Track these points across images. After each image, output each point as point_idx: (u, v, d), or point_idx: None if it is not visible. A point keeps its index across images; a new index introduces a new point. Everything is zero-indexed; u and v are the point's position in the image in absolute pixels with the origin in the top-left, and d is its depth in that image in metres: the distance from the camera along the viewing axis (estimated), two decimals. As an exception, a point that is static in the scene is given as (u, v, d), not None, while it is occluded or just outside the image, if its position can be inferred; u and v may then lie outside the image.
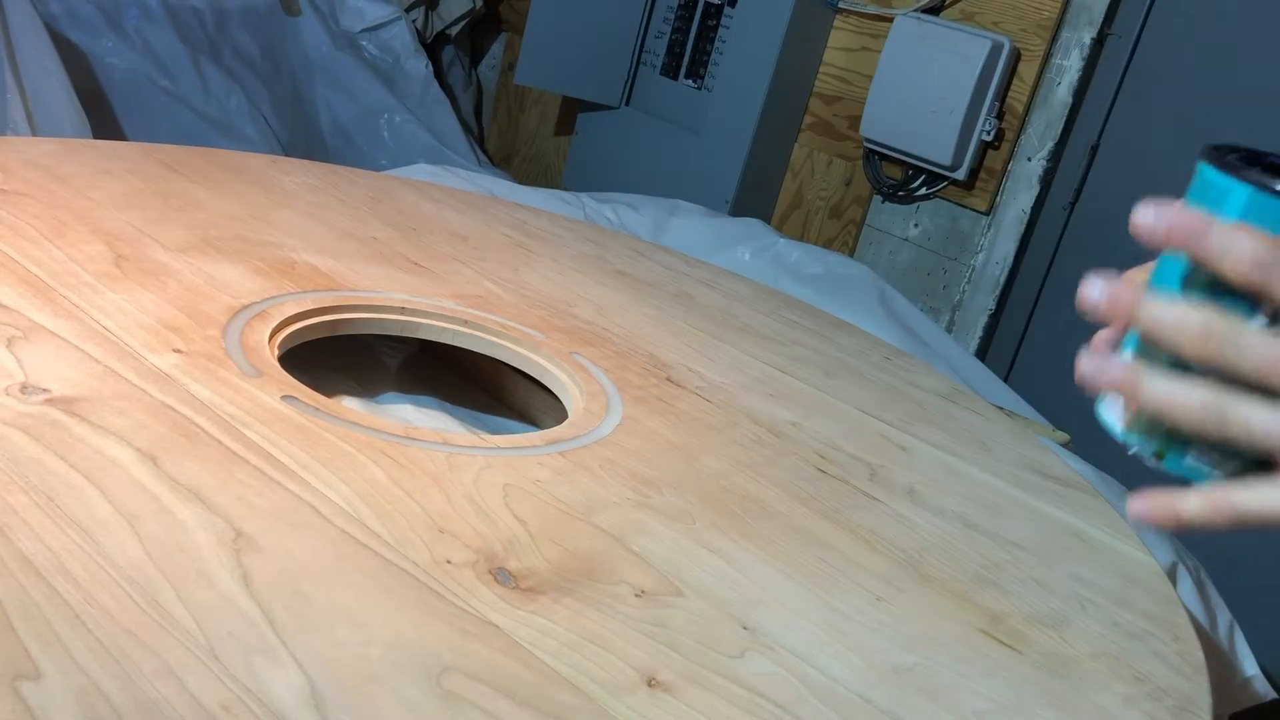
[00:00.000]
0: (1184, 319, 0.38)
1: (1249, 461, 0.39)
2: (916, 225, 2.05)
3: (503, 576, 0.52)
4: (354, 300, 0.81)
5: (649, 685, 0.47)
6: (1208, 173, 0.40)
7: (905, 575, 0.63)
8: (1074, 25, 1.83)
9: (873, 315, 1.50)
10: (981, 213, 1.95)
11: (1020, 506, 0.78)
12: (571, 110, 2.63)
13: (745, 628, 0.54)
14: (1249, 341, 0.37)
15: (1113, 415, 0.42)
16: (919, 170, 2.00)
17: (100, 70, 2.02)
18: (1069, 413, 1.63)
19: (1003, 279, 1.93)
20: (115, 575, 0.44)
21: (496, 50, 2.99)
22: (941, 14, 1.96)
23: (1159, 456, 0.41)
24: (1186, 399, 0.38)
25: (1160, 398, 0.39)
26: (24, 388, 0.57)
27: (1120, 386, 0.40)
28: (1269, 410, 0.37)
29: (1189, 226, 0.38)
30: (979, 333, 1.97)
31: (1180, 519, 0.40)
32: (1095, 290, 0.40)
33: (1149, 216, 0.39)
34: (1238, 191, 0.39)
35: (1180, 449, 0.40)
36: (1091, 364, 0.41)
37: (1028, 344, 1.98)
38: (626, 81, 2.43)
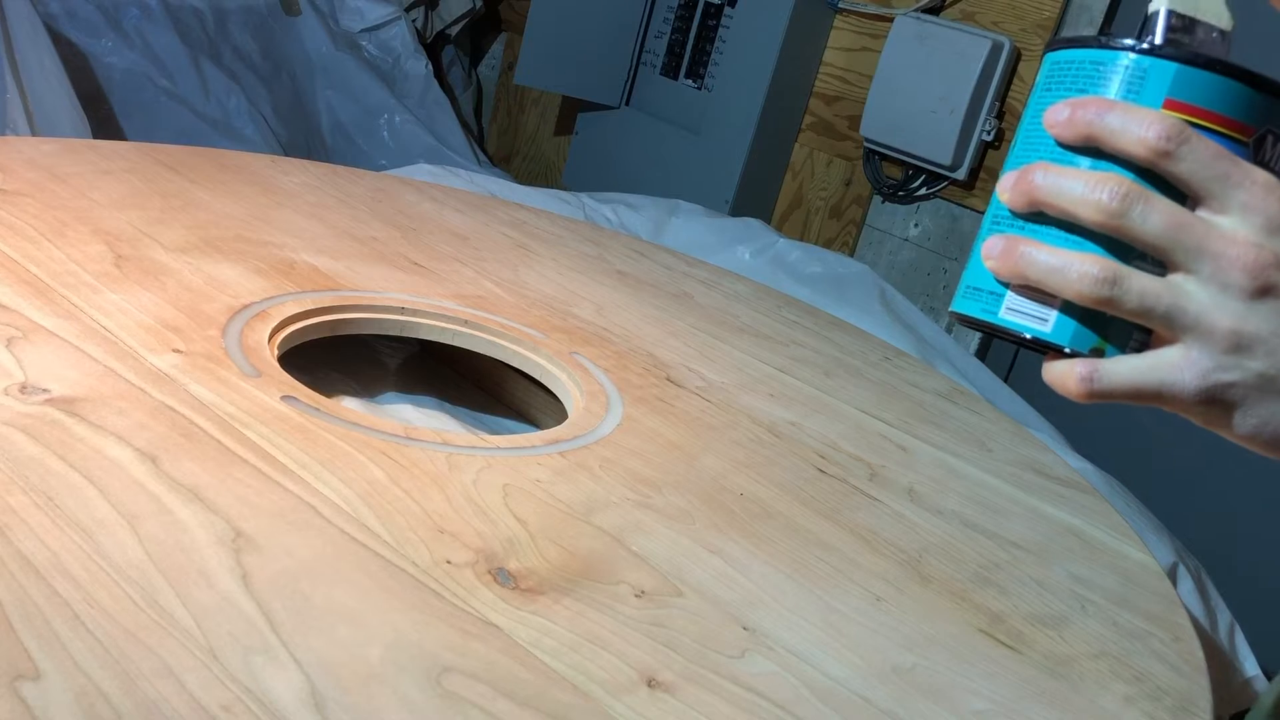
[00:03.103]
0: (1092, 184, 0.36)
1: (1127, 335, 0.38)
2: (916, 225, 2.05)
3: (502, 577, 0.52)
4: (354, 300, 0.81)
5: (649, 685, 0.47)
6: (1116, 56, 0.38)
7: (905, 575, 0.63)
8: (1074, 25, 1.83)
9: (873, 315, 1.50)
10: (982, 213, 1.95)
11: (1020, 506, 0.78)
12: (571, 110, 2.63)
13: (745, 628, 0.54)
14: (1157, 206, 0.36)
15: (975, 301, 0.41)
16: (919, 170, 2.00)
17: (100, 70, 2.02)
18: (1069, 412, 1.63)
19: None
20: (115, 575, 0.44)
21: (496, 50, 2.99)
22: (942, 14, 1.97)
23: (1035, 332, 0.39)
24: (1081, 267, 0.36)
25: (1051, 266, 0.37)
26: (24, 388, 0.57)
27: (1008, 258, 0.38)
28: (1160, 282, 0.36)
29: (1094, 108, 0.37)
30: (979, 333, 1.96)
31: (1067, 389, 0.38)
32: (1006, 179, 0.39)
33: (1062, 112, 0.38)
34: (1161, 69, 0.37)
35: (1062, 323, 0.39)
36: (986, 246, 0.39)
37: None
38: (626, 81, 2.43)
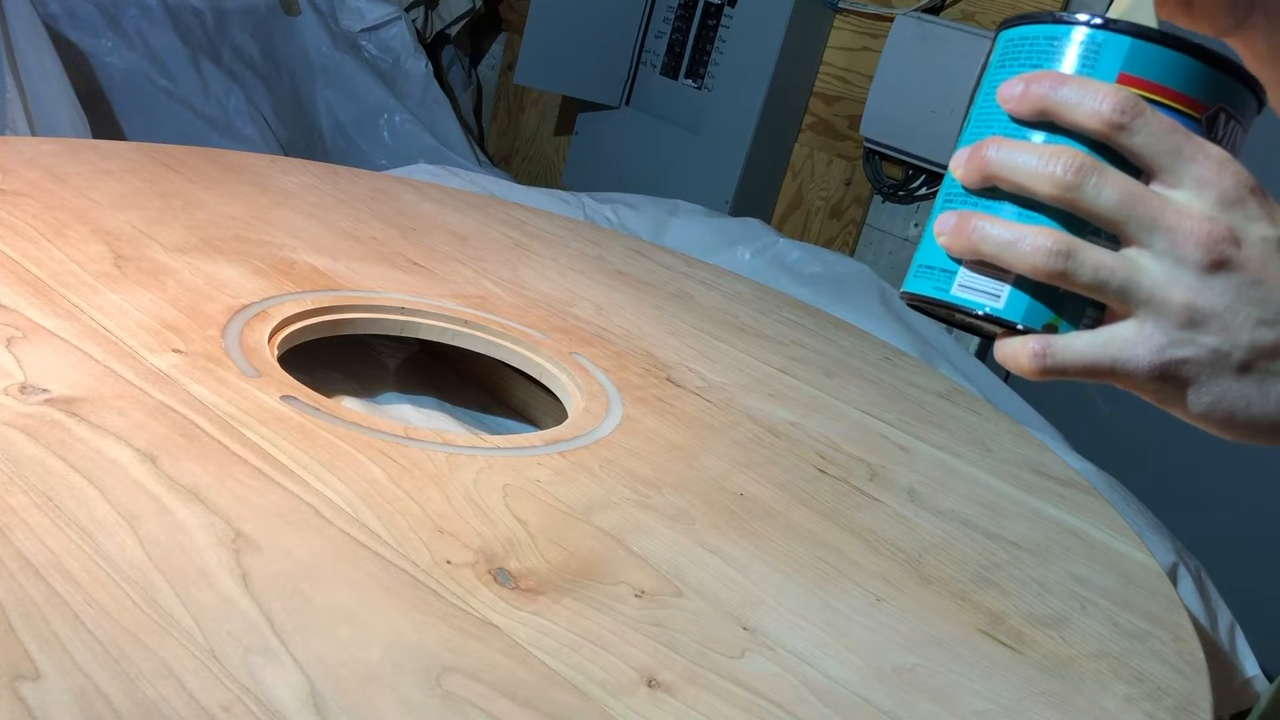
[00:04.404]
0: (1045, 158, 0.35)
1: (1080, 311, 0.38)
2: (917, 225, 2.05)
3: (502, 577, 0.52)
4: (353, 300, 0.81)
5: (649, 686, 0.47)
6: (1070, 31, 0.38)
7: (905, 575, 0.63)
8: (1074, 25, 1.83)
9: (873, 315, 1.50)
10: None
11: (1020, 506, 0.78)
12: (571, 110, 2.63)
13: (745, 628, 0.54)
14: (1111, 179, 0.35)
15: (926, 280, 0.40)
16: (919, 170, 2.00)
17: (100, 70, 2.02)
18: (1068, 412, 1.63)
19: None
20: (114, 575, 0.44)
21: (496, 50, 2.99)
22: (942, 14, 1.96)
23: (987, 307, 0.39)
24: (1034, 240, 0.36)
25: (1004, 240, 0.36)
26: (23, 388, 0.57)
27: (960, 233, 0.37)
28: (1115, 255, 0.36)
29: (1048, 83, 0.36)
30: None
31: (1020, 366, 0.38)
32: (960, 155, 0.38)
33: (1016, 86, 0.37)
34: (1115, 43, 0.37)
35: (1015, 298, 0.38)
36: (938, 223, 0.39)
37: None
38: (626, 81, 2.43)
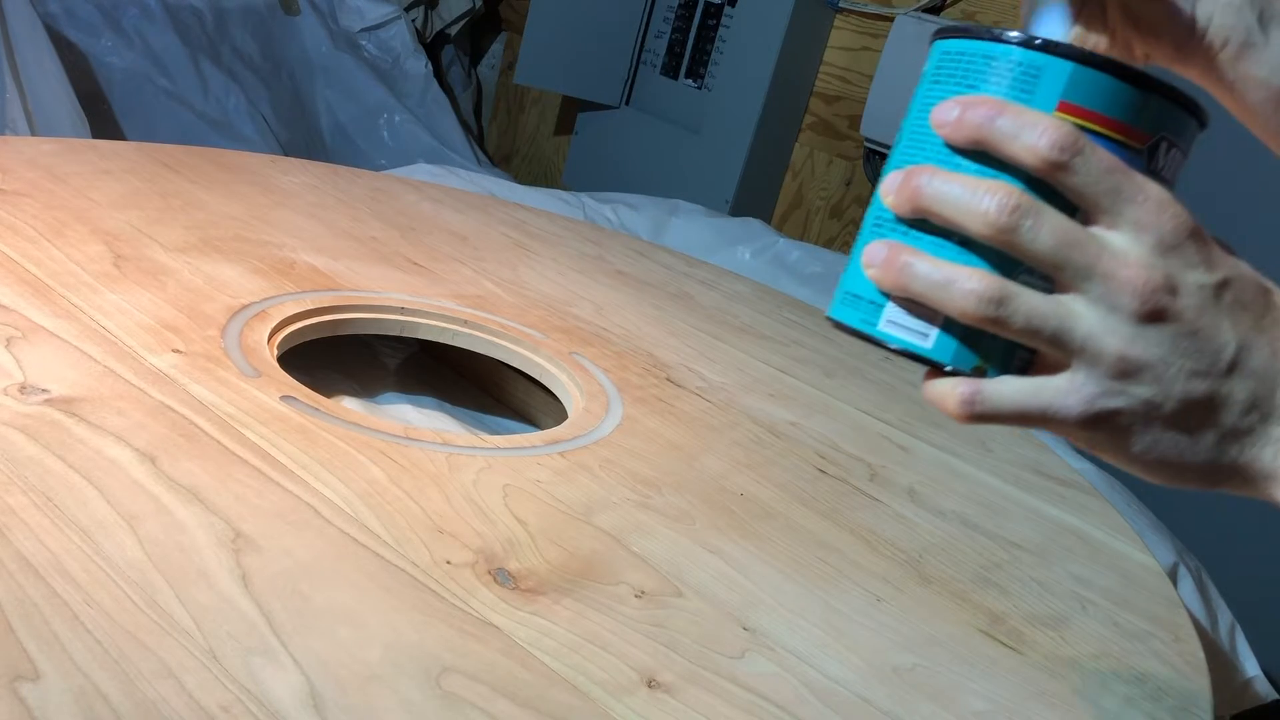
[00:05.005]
0: (980, 195, 0.34)
1: (1011, 353, 0.36)
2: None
3: (502, 577, 0.52)
4: (353, 300, 0.81)
5: (649, 686, 0.47)
6: (1009, 52, 0.36)
7: (905, 575, 0.63)
8: (1074, 25, 1.83)
9: (873, 315, 1.50)
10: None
11: (1020, 506, 0.78)
12: (571, 110, 2.63)
13: (745, 628, 0.53)
14: (1047, 221, 0.34)
15: (853, 310, 0.39)
16: (919, 170, 2.00)
17: (99, 70, 2.02)
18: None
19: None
20: (114, 576, 0.44)
21: (496, 50, 2.99)
22: (942, 13, 1.96)
23: (916, 346, 0.37)
24: (966, 285, 0.34)
25: (935, 281, 0.35)
26: (23, 388, 0.57)
27: (890, 269, 0.36)
28: (1048, 301, 0.35)
29: (985, 112, 0.34)
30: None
31: (947, 410, 0.36)
32: (890, 181, 0.37)
33: (951, 111, 0.35)
34: (1057, 68, 0.35)
35: (944, 339, 0.36)
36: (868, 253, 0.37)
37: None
38: (626, 81, 2.43)
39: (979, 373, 0.36)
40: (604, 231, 1.26)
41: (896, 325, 0.37)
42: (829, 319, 0.40)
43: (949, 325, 0.36)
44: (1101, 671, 0.58)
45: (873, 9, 2.05)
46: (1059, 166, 0.34)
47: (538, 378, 0.84)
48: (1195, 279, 0.35)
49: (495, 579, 0.52)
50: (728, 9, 2.20)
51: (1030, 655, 0.58)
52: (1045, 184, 0.35)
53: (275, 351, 0.71)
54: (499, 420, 0.95)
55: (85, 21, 2.03)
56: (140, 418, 0.57)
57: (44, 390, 0.57)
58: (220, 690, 0.40)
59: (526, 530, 0.57)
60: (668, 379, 0.84)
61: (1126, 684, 0.58)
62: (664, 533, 0.60)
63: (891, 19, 1.97)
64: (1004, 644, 0.59)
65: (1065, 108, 0.35)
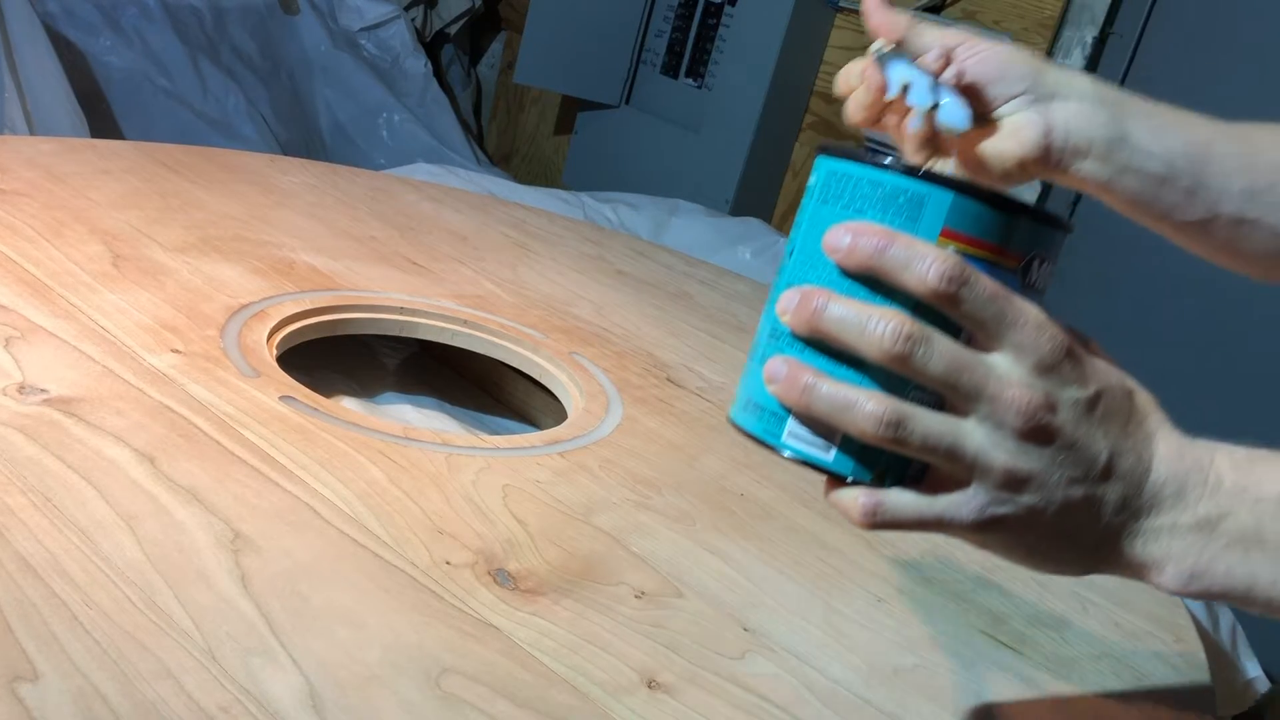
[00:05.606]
0: (874, 323, 0.37)
1: (907, 464, 0.39)
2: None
3: (502, 577, 0.52)
4: (353, 300, 0.81)
5: (649, 687, 0.47)
6: (895, 181, 0.38)
7: (906, 576, 0.63)
8: (1076, 24, 1.83)
9: (873, 315, 1.49)
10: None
11: (1021, 507, 0.78)
12: (571, 109, 2.63)
13: (746, 629, 0.53)
14: (937, 348, 0.37)
15: (757, 420, 0.41)
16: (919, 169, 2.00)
17: (98, 69, 2.02)
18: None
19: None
20: (113, 576, 0.44)
21: (496, 49, 2.98)
22: (942, 13, 1.96)
23: (822, 456, 0.40)
24: (866, 408, 0.37)
25: (836, 404, 0.38)
26: (22, 388, 0.57)
27: (792, 389, 0.38)
28: (944, 421, 0.38)
29: (876, 243, 0.37)
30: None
31: (850, 518, 0.39)
32: (787, 300, 0.39)
33: (843, 239, 0.38)
34: (939, 199, 0.38)
35: (845, 453, 0.39)
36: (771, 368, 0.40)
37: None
38: (626, 80, 2.43)
39: (878, 481, 0.39)
40: (604, 231, 1.26)
41: (799, 439, 0.40)
42: (731, 422, 0.43)
43: (848, 440, 0.39)
44: (1102, 672, 0.58)
45: (873, 8, 2.05)
46: (947, 297, 0.37)
47: (537, 378, 0.83)
48: (1071, 395, 0.38)
49: (495, 579, 0.52)
50: (728, 8, 2.20)
51: (1031, 656, 0.58)
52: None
53: (274, 351, 0.71)
54: (499, 420, 0.95)
55: (84, 21, 2.03)
56: (139, 418, 0.57)
57: (43, 390, 0.57)
58: (219, 691, 0.40)
59: (526, 531, 0.57)
60: (668, 379, 0.84)
61: (1127, 684, 0.58)
62: (664, 533, 0.60)
63: (891, 18, 1.96)
64: (1005, 645, 0.59)
65: (947, 234, 0.38)
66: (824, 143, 0.42)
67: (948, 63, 0.53)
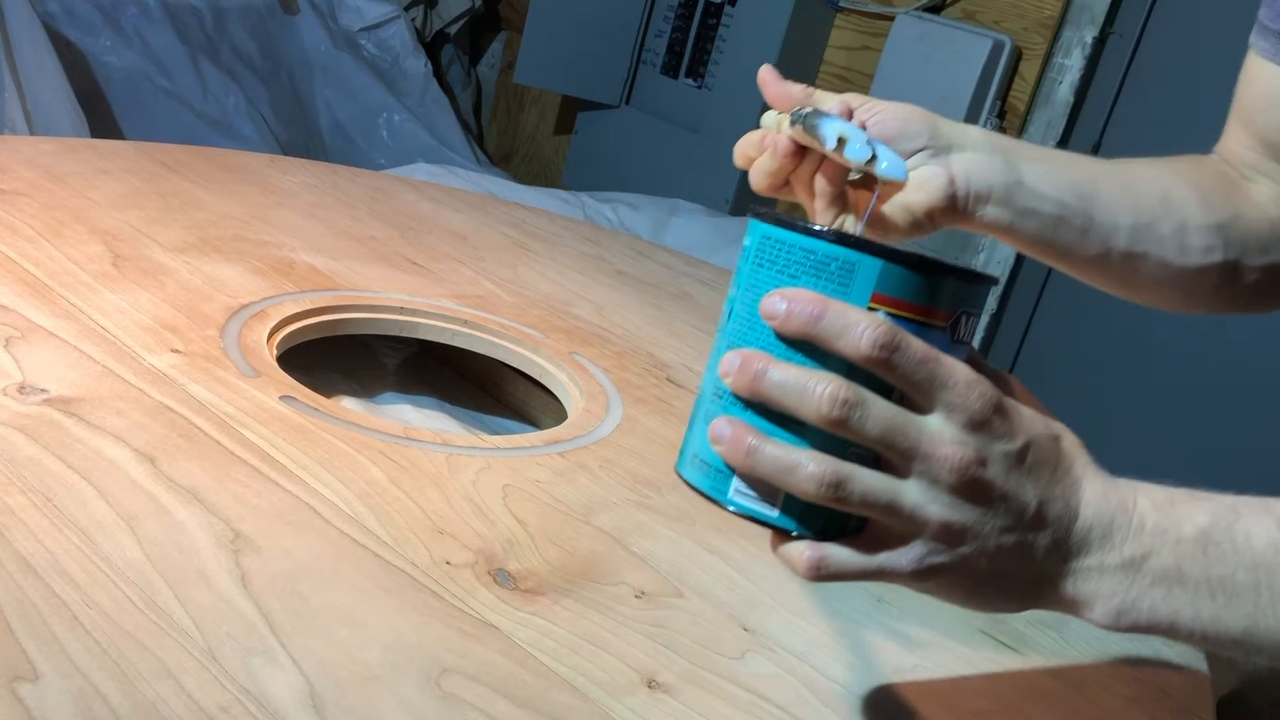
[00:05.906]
0: (811, 388, 0.38)
1: (848, 517, 0.40)
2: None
3: (502, 577, 0.52)
4: (353, 300, 0.81)
5: (649, 686, 0.47)
6: (827, 249, 0.40)
7: (906, 576, 0.63)
8: (1076, 24, 1.83)
9: (873, 315, 1.50)
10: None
11: (1021, 506, 0.78)
12: (571, 109, 2.63)
13: (746, 629, 0.53)
14: (873, 412, 0.38)
15: (704, 476, 0.42)
16: (919, 169, 2.00)
17: (98, 69, 2.02)
18: (1068, 411, 1.62)
19: (1004, 279, 1.93)
20: (113, 576, 0.44)
21: (496, 49, 2.98)
22: (943, 13, 1.96)
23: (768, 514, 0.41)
24: (809, 470, 0.39)
25: (779, 466, 0.39)
26: (22, 388, 0.57)
27: (736, 450, 0.40)
28: (881, 479, 0.39)
29: (811, 311, 0.39)
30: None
31: (796, 571, 0.41)
32: (729, 362, 0.41)
33: (778, 306, 0.39)
34: (869, 265, 0.39)
35: (788, 510, 0.41)
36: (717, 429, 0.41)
37: (1028, 344, 1.98)
38: (626, 80, 2.43)
39: (821, 535, 0.41)
40: (604, 231, 1.26)
41: (745, 495, 0.41)
42: (679, 475, 0.44)
43: (792, 497, 0.40)
44: (1102, 672, 0.58)
45: (873, 8, 2.05)
46: (880, 362, 0.38)
47: (537, 378, 0.83)
48: (1001, 449, 0.40)
49: (495, 579, 0.52)
50: (728, 8, 2.20)
51: (1031, 656, 0.58)
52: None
53: (274, 351, 0.71)
54: (499, 420, 0.95)
55: (84, 21, 2.03)
56: (139, 418, 0.57)
57: (43, 390, 0.57)
58: (219, 691, 0.40)
59: (526, 530, 0.57)
60: (668, 379, 0.84)
61: (1127, 684, 0.58)
62: (664, 533, 0.60)
63: (892, 18, 1.97)
64: (1005, 644, 0.59)
65: (878, 299, 0.40)
66: (755, 207, 0.43)
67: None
